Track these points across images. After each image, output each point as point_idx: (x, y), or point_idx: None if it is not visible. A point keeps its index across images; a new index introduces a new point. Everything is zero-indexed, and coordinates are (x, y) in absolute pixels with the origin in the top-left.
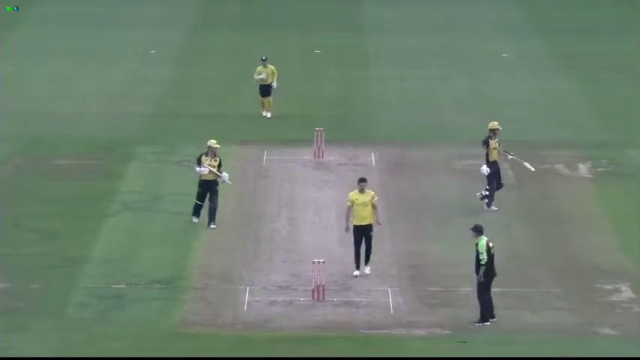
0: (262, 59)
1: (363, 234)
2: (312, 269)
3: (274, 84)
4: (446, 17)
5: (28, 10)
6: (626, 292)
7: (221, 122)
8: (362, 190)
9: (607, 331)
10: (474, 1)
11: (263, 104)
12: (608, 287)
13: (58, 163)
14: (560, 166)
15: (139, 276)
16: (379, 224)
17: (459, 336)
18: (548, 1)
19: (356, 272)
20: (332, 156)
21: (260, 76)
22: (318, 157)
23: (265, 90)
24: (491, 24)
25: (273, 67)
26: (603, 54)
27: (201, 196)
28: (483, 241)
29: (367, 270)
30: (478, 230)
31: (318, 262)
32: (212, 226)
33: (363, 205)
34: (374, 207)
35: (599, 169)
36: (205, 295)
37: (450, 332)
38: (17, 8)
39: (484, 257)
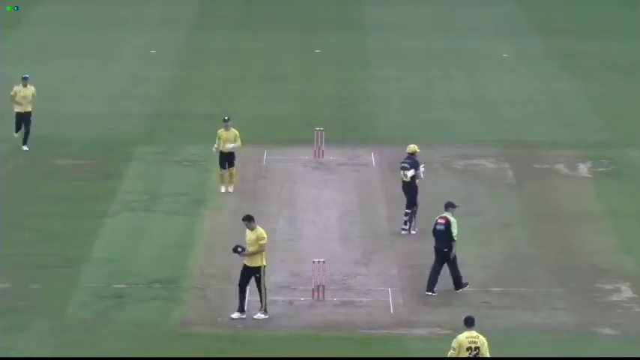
0: (224, 120)
1: (248, 275)
2: (312, 269)
3: (230, 145)
4: (446, 17)
5: (28, 10)
6: (626, 292)
7: (221, 122)
8: (249, 228)
9: (607, 331)
10: (474, 1)
11: (222, 177)
12: (608, 287)
13: (58, 163)
14: (560, 166)
15: (139, 276)
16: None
17: None
18: (548, 1)
19: (235, 314)
20: (332, 156)
21: (215, 147)
22: (318, 157)
23: (227, 158)
24: (492, 24)
25: (236, 132)
26: (603, 54)
27: None
28: None
29: (258, 315)
30: None
31: (318, 262)
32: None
33: (250, 243)
34: (259, 248)
35: (599, 169)
36: (205, 295)
37: (450, 332)
38: (17, 8)
39: None
